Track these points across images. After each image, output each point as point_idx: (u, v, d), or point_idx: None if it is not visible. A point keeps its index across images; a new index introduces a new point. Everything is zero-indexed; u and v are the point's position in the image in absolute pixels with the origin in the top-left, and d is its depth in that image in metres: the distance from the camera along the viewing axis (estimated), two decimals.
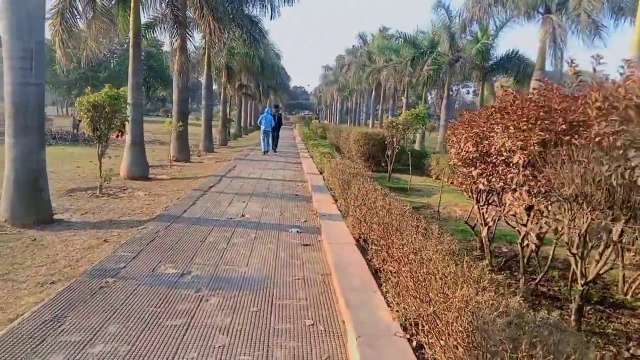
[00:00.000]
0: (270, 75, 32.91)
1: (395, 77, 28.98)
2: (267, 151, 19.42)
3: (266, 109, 21.13)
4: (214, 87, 47.49)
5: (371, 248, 4.45)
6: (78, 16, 11.10)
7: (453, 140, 5.06)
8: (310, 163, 14.69)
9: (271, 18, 20.16)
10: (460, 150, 4.81)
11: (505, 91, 4.64)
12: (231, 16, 20.19)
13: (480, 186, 4.63)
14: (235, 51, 26.23)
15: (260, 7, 20.02)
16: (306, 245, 5.83)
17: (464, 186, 5.21)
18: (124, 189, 10.12)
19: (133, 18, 11.47)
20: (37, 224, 6.49)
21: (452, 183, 12.79)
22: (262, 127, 19.56)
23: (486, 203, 5.06)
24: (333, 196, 8.25)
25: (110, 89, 9.06)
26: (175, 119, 16.05)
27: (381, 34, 44.37)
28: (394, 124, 11.93)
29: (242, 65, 28.24)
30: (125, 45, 63.25)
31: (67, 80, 54.01)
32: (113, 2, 13.23)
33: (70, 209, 7.74)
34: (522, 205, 4.01)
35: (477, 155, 4.57)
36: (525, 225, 4.22)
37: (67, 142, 21.03)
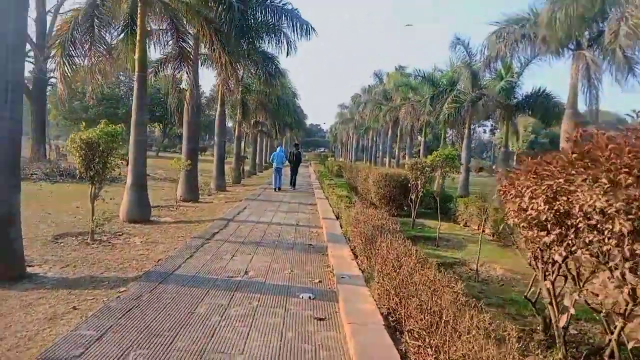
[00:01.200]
0: (286, 113, 32.43)
1: (414, 115, 28.13)
2: (278, 188, 19.90)
3: (279, 147, 22.33)
4: (230, 124, 47.40)
5: (407, 340, 3.29)
6: (81, 48, 10.46)
7: (511, 194, 3.94)
8: (326, 205, 13.60)
9: (287, 54, 19.55)
10: (524, 207, 3.68)
11: (584, 130, 3.55)
12: (245, 52, 19.73)
13: (556, 257, 3.47)
14: (252, 88, 25.78)
15: (276, 43, 19.49)
16: (321, 319, 4.66)
17: (530, 252, 4.04)
18: (120, 235, 9.12)
19: (138, 50, 10.80)
20: (3, 281, 5.47)
21: (484, 231, 11.59)
22: (274, 165, 20.37)
23: (556, 274, 3.87)
24: (352, 250, 7.11)
25: (106, 125, 8.21)
26: (184, 156, 15.23)
27: (397, 72, 44.10)
28: (418, 165, 10.86)
29: (258, 102, 27.76)
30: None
31: (85, 117, 54.55)
32: (120, 36, 12.70)
33: (50, 260, 6.72)
34: (623, 291, 2.84)
35: (551, 215, 3.43)
36: (624, 316, 3.03)
37: (75, 179, 20.33)
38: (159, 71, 17.57)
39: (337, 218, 10.84)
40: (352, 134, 73.15)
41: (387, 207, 13.13)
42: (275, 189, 19.84)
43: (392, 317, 4.25)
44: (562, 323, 3.50)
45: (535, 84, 20.79)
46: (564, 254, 3.39)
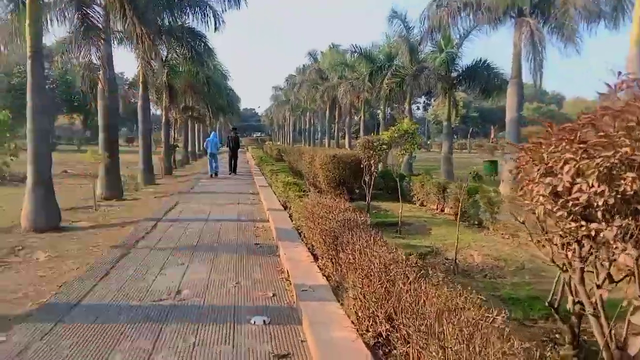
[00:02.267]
0: (218, 95, 30.33)
1: (353, 94, 27.20)
2: (215, 174, 19.95)
3: (212, 133, 21.76)
4: (157, 110, 44.25)
5: None
6: None
7: (538, 172, 2.84)
8: (270, 194, 12.27)
9: (215, 29, 17.79)
10: (563, 189, 2.60)
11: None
12: (167, 28, 17.71)
13: (622, 258, 2.43)
14: (178, 69, 23.59)
15: (201, 17, 17.60)
16: (283, 358, 3.42)
17: (556, 247, 2.98)
18: (19, 249, 7.33)
19: (30, 22, 8.78)
20: None
21: (442, 210, 10.82)
22: (209, 151, 20.36)
23: (604, 278, 2.84)
24: (310, 250, 5.88)
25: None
26: (101, 148, 13.25)
27: (332, 50, 43.02)
28: (371, 143, 9.79)
29: (187, 85, 25.58)
30: (58, 72, 58.84)
31: None
32: (10, 6, 10.51)
33: None
34: None
35: (613, 199, 2.37)
36: None
37: None
38: (66, 51, 15.20)
39: (285, 208, 9.57)
40: (288, 117, 71.62)
41: (336, 191, 12.00)
42: (210, 175, 19.83)
43: (384, 349, 3.09)
44: (634, 349, 2.48)
45: (475, 57, 20.34)
46: (634, 253, 2.35)
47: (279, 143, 71.20)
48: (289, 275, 5.26)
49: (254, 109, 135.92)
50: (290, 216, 8.37)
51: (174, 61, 22.82)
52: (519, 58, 15.42)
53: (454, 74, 20.24)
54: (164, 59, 21.85)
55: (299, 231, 7.01)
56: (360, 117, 33.61)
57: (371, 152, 9.85)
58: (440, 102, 75.27)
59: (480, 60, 18.97)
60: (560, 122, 3.05)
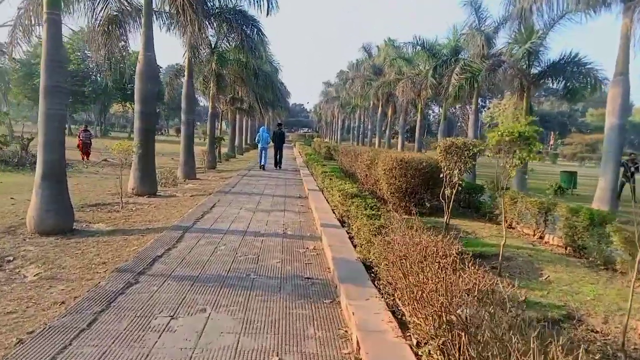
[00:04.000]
0: (267, 88, 28.74)
1: (413, 90, 24.86)
2: (263, 165, 20.93)
3: (262, 127, 22.23)
4: (201, 100, 43.50)
5: None
6: None
7: None
8: (321, 201, 10.37)
9: (267, 12, 16.05)
10: None
11: None
12: (216, 9, 16.17)
13: None
14: (227, 58, 22.11)
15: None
16: None
17: None
18: (9, 261, 5.80)
19: None
20: None
21: (541, 238, 8.48)
22: (260, 145, 21.13)
23: None
24: (389, 305, 3.89)
25: None
26: (135, 137, 11.79)
27: (389, 45, 40.66)
28: (455, 147, 7.67)
29: (236, 75, 24.11)
30: (114, 59, 59.50)
31: None
32: None
33: None
34: None
35: None
36: None
37: (9, 167, 16.67)
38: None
39: (342, 224, 7.62)
40: (337, 114, 69.69)
41: (402, 202, 9.95)
42: (260, 167, 20.93)
43: None
44: None
45: (567, 50, 17.30)
46: None
47: (327, 140, 69.46)
48: (357, 343, 3.33)
49: (302, 105, 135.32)
50: (351, 239, 6.40)
51: (223, 48, 21.34)
52: (626, 51, 12.74)
53: (535, 70, 17.56)
54: (213, 45, 20.43)
55: (368, 266, 5.03)
56: (417, 116, 31.15)
57: (455, 158, 7.73)
58: (496, 104, 71.15)
59: (570, 54, 16.23)
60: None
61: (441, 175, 8.06)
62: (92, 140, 22.99)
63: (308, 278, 5.28)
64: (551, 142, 77.87)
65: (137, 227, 7.90)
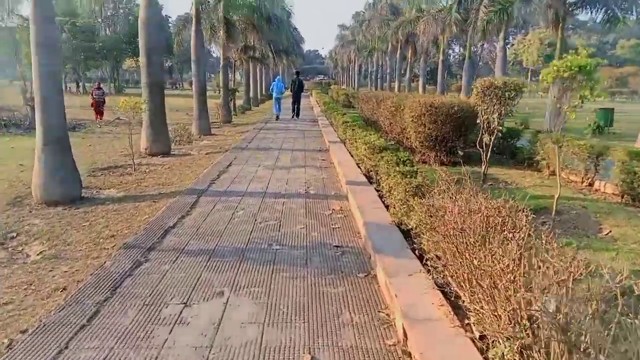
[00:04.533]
0: (280, 34, 27.30)
1: (436, 28, 23.27)
2: (278, 116, 20.77)
3: (277, 77, 22.69)
4: (214, 51, 42.13)
5: None
6: None
7: None
8: (344, 155, 9.67)
9: None
10: None
11: None
12: None
13: None
14: (237, 2, 20.80)
15: None
16: None
17: None
18: (12, 237, 5.36)
19: None
20: None
21: (590, 185, 7.65)
22: (274, 95, 21.16)
23: None
24: (441, 286, 3.26)
25: None
26: (144, 93, 11.10)
27: None
28: (495, 89, 6.78)
29: (247, 22, 22.85)
30: (122, 11, 57.74)
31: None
32: None
33: None
34: None
35: None
36: None
37: (20, 131, 16.28)
38: None
39: (370, 180, 6.95)
40: (354, 58, 67.33)
41: (432, 152, 9.17)
42: (276, 118, 20.68)
43: None
44: None
45: None
46: None
47: (343, 87, 67.65)
48: (406, 343, 2.76)
49: (317, 51, 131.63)
50: (382, 198, 5.73)
51: None
52: None
53: None
54: None
55: (404, 231, 4.39)
56: (439, 57, 29.47)
57: (494, 100, 6.87)
58: (520, 39, 67.53)
59: None
60: None
61: (477, 121, 7.24)
62: (105, 98, 22.39)
63: (337, 246, 4.68)
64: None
65: (149, 191, 7.38)
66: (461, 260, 2.74)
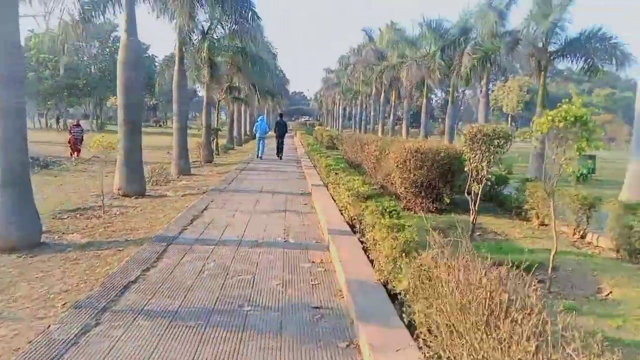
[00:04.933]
0: (265, 75, 27.37)
1: (420, 74, 23.60)
2: (261, 156, 20.85)
3: (260, 117, 22.98)
4: (200, 90, 42.29)
5: None
6: None
7: None
8: (327, 200, 9.28)
9: None
10: None
11: None
12: None
13: None
14: (222, 44, 20.82)
15: None
16: None
17: None
18: None
19: None
20: None
21: (582, 237, 7.30)
22: (257, 135, 21.35)
23: None
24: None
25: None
26: (120, 131, 10.68)
27: (391, 28, 39.28)
28: (484, 135, 6.53)
29: (232, 62, 22.86)
30: (108, 50, 57.93)
31: (41, 90, 48.34)
32: None
33: None
34: None
35: None
36: None
37: None
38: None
39: (353, 229, 6.53)
40: (338, 100, 68.35)
41: (417, 198, 8.84)
42: (258, 157, 20.89)
43: None
44: None
45: (591, 26, 15.85)
46: None
47: (328, 128, 68.20)
48: None
49: (302, 92, 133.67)
50: (366, 250, 5.30)
51: (218, 34, 20.07)
52: None
53: (552, 48, 16.28)
54: (205, 30, 19.18)
55: (390, 291, 3.94)
56: (422, 101, 29.83)
57: (483, 148, 6.61)
58: (500, 86, 69.50)
59: (593, 29, 14.95)
60: None
61: (465, 169, 6.95)
62: (83, 135, 21.84)
63: (316, 308, 4.19)
64: None
65: (115, 237, 6.83)
66: (461, 342, 2.30)
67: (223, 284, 4.75)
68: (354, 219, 6.61)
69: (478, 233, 7.21)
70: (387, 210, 5.11)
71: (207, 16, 17.98)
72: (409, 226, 4.36)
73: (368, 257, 5.11)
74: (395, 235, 4.00)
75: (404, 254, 3.76)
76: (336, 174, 9.30)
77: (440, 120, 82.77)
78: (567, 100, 4.47)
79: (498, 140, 6.54)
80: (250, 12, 17.38)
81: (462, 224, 7.68)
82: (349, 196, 6.54)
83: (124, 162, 10.61)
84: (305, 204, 9.64)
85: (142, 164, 11.21)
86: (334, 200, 8.85)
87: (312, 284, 4.80)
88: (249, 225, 7.49)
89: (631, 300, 4.46)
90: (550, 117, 4.41)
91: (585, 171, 17.06)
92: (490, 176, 6.82)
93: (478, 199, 6.84)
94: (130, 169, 10.71)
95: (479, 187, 6.72)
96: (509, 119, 74.09)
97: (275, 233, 7.03)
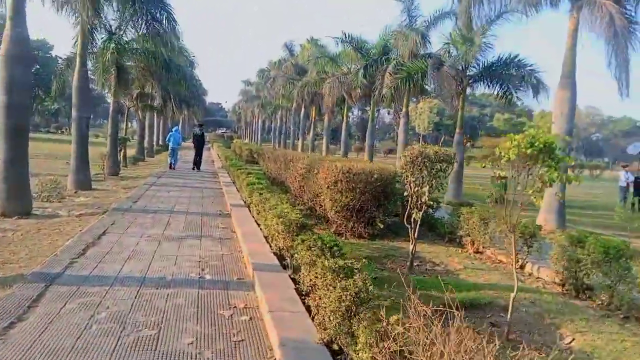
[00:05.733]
0: (181, 83, 25.64)
1: (342, 91, 23.39)
2: (172, 164, 20.54)
3: (174, 128, 22.84)
4: (108, 96, 39.37)
5: None
6: None
7: None
8: (249, 221, 8.31)
9: None
10: None
11: None
12: None
13: None
14: (132, 46, 19.04)
15: None
16: None
17: None
18: None
19: None
20: None
21: (522, 268, 6.95)
22: (170, 145, 20.71)
23: None
24: None
25: None
26: (0, 139, 8.90)
27: (312, 44, 39.28)
28: (424, 158, 5.99)
29: (143, 67, 21.02)
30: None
31: None
32: None
33: None
34: None
35: None
36: None
37: None
38: None
39: (283, 262, 5.62)
40: (258, 114, 67.23)
41: (349, 222, 8.14)
42: (170, 166, 20.48)
43: None
44: None
45: (506, 52, 16.44)
46: None
47: (246, 141, 66.69)
48: None
49: (220, 104, 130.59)
50: (301, 294, 4.41)
51: (129, 35, 18.31)
52: (573, 52, 12.04)
53: (471, 72, 16.73)
54: (111, 30, 17.37)
55: (338, 353, 3.10)
56: (343, 118, 29.80)
57: (425, 172, 6.06)
58: (412, 108, 72.67)
59: (510, 55, 15.51)
60: None
61: (405, 194, 6.36)
62: None
63: None
64: (467, 145, 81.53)
65: None
66: None
67: (116, 345, 3.61)
68: (283, 249, 5.71)
69: (416, 263, 6.63)
70: (328, 246, 4.28)
71: (117, 15, 16.27)
72: (357, 269, 3.55)
73: (304, 301, 4.23)
74: (344, 285, 3.17)
75: (356, 312, 2.93)
76: (260, 194, 8.35)
77: (356, 137, 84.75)
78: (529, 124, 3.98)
79: (440, 164, 6.03)
80: (165, 14, 16.07)
81: (398, 252, 7.11)
82: (278, 223, 5.63)
83: (3, 174, 8.84)
84: (224, 228, 8.56)
85: (29, 176, 9.47)
86: (258, 224, 7.88)
87: (235, 342, 3.81)
88: (156, 257, 6.28)
89: (598, 349, 4.00)
90: (516, 142, 3.88)
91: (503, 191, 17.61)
92: (432, 202, 6.28)
93: (417, 226, 6.26)
94: (13, 184, 8.95)
95: (419, 214, 6.14)
96: (420, 139, 77.58)
97: (188, 267, 5.91)
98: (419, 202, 6.10)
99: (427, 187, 6.01)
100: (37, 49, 51.68)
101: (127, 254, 6.37)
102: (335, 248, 4.24)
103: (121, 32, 17.68)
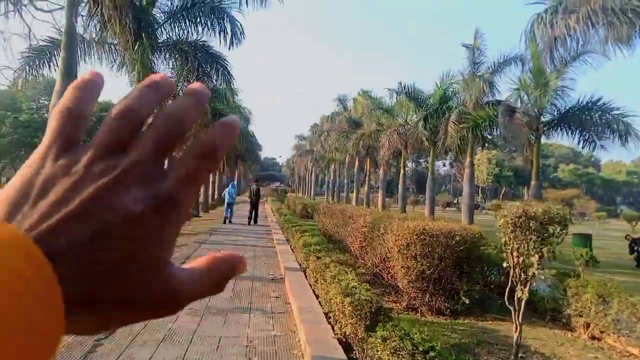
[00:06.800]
0: (238, 139, 25.65)
1: (400, 142, 22.37)
2: (231, 220, 21.15)
3: (232, 183, 23.49)
4: None
5: None
6: None
7: None
8: (305, 291, 7.11)
9: (230, 44, 13.44)
10: None
11: None
12: (172, 40, 13.43)
13: None
14: None
15: (217, 29, 13.26)
16: None
17: None
18: None
19: None
20: None
21: None
22: (226, 200, 21.58)
23: None
24: None
25: None
26: None
27: (364, 96, 39.03)
28: (529, 219, 4.66)
29: (200, 124, 21.08)
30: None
31: None
32: None
33: None
34: None
35: None
36: None
37: None
38: None
39: (347, 352, 4.36)
40: (311, 167, 67.36)
41: (425, 294, 6.76)
42: (224, 221, 21.12)
43: None
44: None
45: (588, 95, 15.07)
46: None
47: (300, 195, 66.58)
48: None
49: (274, 158, 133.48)
50: None
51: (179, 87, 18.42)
52: None
53: (547, 117, 15.24)
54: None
55: None
56: (401, 171, 28.56)
57: (532, 237, 4.70)
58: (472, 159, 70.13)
59: (592, 98, 13.98)
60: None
61: (505, 264, 5.00)
62: None
63: None
64: (526, 198, 77.24)
65: None
66: None
67: None
68: (350, 336, 4.46)
69: (520, 354, 5.13)
70: (420, 349, 3.02)
71: (170, 71, 16.39)
72: None
73: None
74: None
75: None
76: (318, 257, 7.19)
77: (411, 190, 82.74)
78: None
79: (553, 227, 4.66)
80: (221, 69, 15.98)
81: (491, 336, 5.64)
82: (344, 303, 4.41)
83: None
84: (278, 297, 7.40)
85: None
86: (316, 295, 6.67)
87: None
88: (195, 338, 5.18)
89: None
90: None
91: (584, 253, 15.49)
92: (543, 277, 4.86)
93: (522, 307, 4.83)
94: None
95: (525, 292, 4.73)
96: (479, 191, 74.50)
97: (231, 355, 4.76)
98: (526, 275, 4.71)
99: (537, 256, 4.62)
100: (102, 110, 54.86)
101: (163, 332, 5.32)
102: (431, 354, 2.96)
103: (178, 90, 17.76)
